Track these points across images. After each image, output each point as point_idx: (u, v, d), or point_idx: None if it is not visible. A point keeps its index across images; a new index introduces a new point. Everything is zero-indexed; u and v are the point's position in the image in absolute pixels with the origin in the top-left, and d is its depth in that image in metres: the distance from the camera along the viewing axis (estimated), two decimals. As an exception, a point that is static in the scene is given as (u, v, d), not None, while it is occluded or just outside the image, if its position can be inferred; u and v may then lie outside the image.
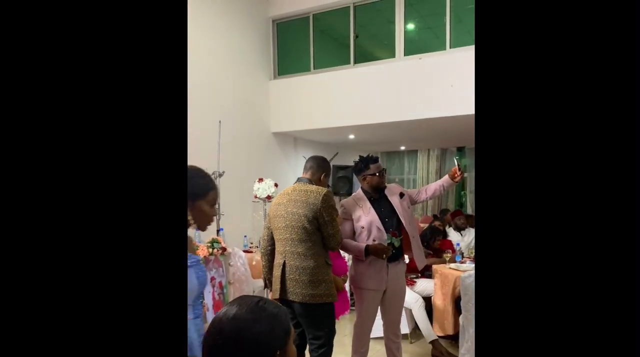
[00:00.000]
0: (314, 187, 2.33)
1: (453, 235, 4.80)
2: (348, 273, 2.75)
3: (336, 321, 2.68)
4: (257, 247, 4.44)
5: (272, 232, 2.42)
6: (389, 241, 2.55)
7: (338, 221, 2.75)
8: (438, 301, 3.56)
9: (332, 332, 2.35)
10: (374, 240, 2.56)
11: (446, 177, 2.75)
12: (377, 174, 2.65)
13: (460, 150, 8.08)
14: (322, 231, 2.27)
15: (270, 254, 2.45)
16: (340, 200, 2.88)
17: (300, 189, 2.34)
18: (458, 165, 2.74)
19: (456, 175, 2.68)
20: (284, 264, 2.30)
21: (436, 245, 4.10)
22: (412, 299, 3.54)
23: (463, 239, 4.81)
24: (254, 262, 4.09)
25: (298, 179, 2.45)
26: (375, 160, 2.71)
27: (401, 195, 2.71)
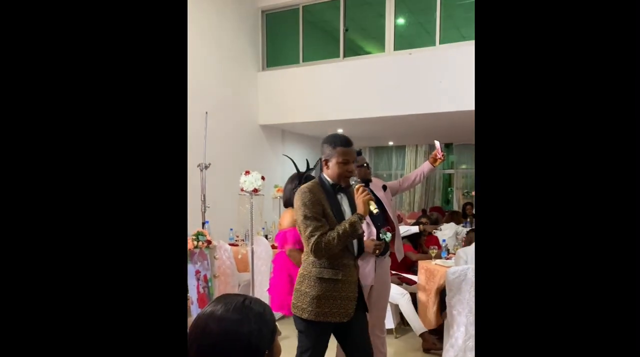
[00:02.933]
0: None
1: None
2: None
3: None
4: (243, 240, 4.41)
5: None
6: (383, 237, 2.53)
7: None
8: (422, 296, 3.58)
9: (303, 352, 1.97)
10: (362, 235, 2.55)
11: (426, 163, 2.76)
12: (364, 165, 2.65)
13: (448, 146, 8.13)
14: None
15: None
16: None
17: None
18: (440, 147, 2.75)
19: (437, 158, 2.69)
20: None
21: (422, 242, 4.13)
22: (398, 293, 3.55)
23: (444, 232, 4.86)
24: (239, 256, 4.06)
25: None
26: (359, 153, 2.73)
27: (384, 188, 2.72)
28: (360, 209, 1.87)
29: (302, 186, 1.94)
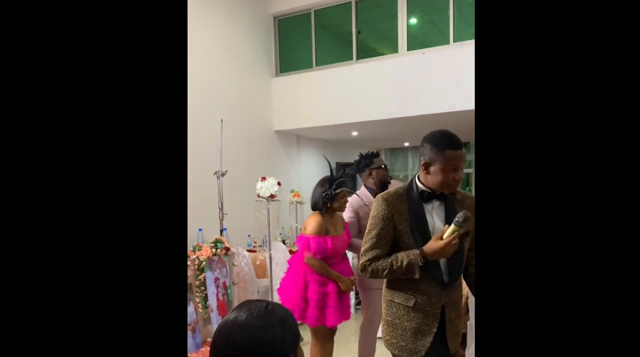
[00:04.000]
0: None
1: None
2: (355, 274, 2.69)
3: (332, 327, 2.58)
4: (261, 246, 4.41)
5: None
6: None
7: (350, 223, 2.64)
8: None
9: None
10: None
11: None
12: (382, 167, 2.64)
13: (466, 145, 8.01)
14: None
15: None
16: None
17: None
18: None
19: None
20: None
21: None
22: None
23: None
24: (257, 262, 4.06)
25: None
26: (377, 154, 2.72)
27: None
28: (437, 252, 1.50)
29: (381, 193, 1.68)
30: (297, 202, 5.03)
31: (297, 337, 0.94)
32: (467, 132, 6.59)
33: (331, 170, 2.65)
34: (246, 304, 0.94)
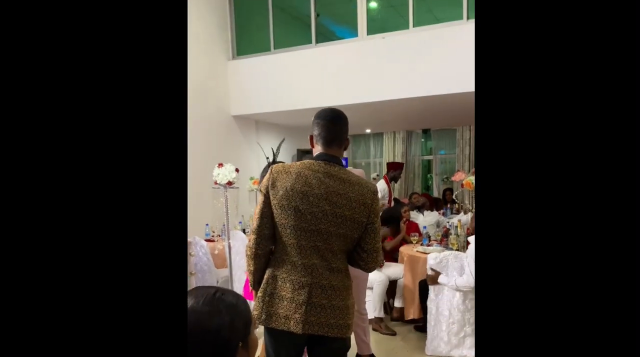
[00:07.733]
0: (361, 178, 1.56)
1: (414, 215, 4.79)
2: None
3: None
4: (220, 235, 4.27)
5: (277, 227, 1.53)
6: None
7: None
8: (409, 284, 3.52)
9: None
10: None
11: None
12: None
13: (426, 132, 8.10)
14: (363, 242, 1.55)
15: (266, 256, 1.58)
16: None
17: (341, 177, 1.50)
18: None
19: None
20: (310, 285, 1.51)
21: (402, 229, 4.05)
22: (377, 277, 3.52)
23: (425, 219, 4.82)
24: (216, 252, 3.94)
25: (318, 156, 1.54)
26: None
27: None
28: None
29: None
30: (257, 189, 4.90)
31: (248, 324, 0.92)
32: (427, 119, 6.62)
33: (268, 156, 2.56)
34: (195, 291, 0.93)
